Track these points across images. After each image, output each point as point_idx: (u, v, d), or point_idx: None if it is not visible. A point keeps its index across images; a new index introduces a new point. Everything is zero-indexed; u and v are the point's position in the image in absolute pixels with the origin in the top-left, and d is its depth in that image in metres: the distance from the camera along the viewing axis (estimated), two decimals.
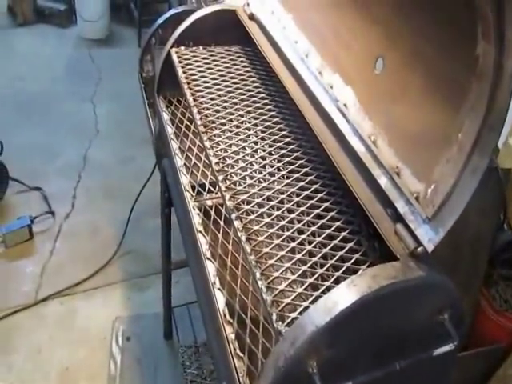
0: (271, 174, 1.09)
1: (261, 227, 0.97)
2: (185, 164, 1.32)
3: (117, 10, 4.21)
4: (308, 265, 0.90)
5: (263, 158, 1.13)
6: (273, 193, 1.04)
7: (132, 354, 1.94)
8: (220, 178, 1.06)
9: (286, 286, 0.87)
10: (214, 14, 1.51)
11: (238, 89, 1.34)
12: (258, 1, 1.47)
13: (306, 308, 0.79)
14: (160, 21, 1.98)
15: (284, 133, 1.20)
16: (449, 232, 0.77)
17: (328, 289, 0.84)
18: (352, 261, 0.91)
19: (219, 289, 1.03)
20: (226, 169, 1.09)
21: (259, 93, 1.33)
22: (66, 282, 2.20)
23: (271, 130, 1.21)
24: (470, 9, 0.72)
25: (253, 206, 1.00)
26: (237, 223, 0.97)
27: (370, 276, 0.76)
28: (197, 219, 1.18)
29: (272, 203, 1.01)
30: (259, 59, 1.45)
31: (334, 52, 1.15)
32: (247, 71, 1.42)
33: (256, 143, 1.18)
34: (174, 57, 1.45)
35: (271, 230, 0.96)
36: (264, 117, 1.25)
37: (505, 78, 0.71)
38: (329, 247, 0.93)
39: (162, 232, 1.70)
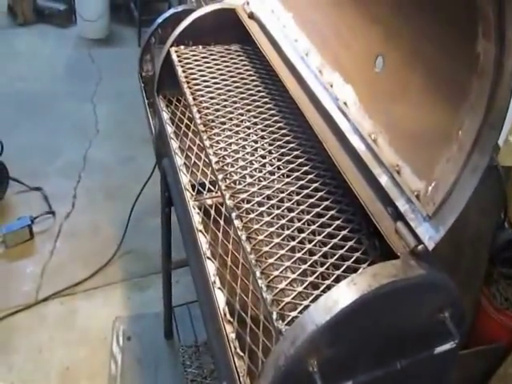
0: (271, 173, 1.09)
1: (261, 226, 0.96)
2: (185, 163, 1.32)
3: (117, 10, 4.21)
4: (308, 263, 0.90)
5: (263, 157, 1.13)
6: (273, 191, 1.04)
7: (132, 354, 1.94)
8: (220, 176, 1.06)
9: (287, 285, 0.87)
10: (213, 13, 1.51)
11: (237, 88, 1.33)
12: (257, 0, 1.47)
13: (307, 307, 0.79)
14: (160, 20, 1.98)
15: (284, 131, 1.20)
16: (449, 230, 0.77)
17: (328, 287, 0.84)
18: (352, 259, 0.91)
19: (219, 288, 1.03)
20: (225, 168, 1.08)
21: (259, 92, 1.33)
22: (67, 281, 2.20)
23: (271, 129, 1.21)
24: (470, 7, 0.72)
25: (253, 205, 1.00)
26: (237, 222, 0.96)
27: (371, 274, 0.76)
28: (197, 218, 1.18)
29: (272, 202, 1.01)
30: (259, 58, 1.44)
31: (334, 50, 1.15)
32: (247, 70, 1.42)
33: (256, 142, 1.17)
34: (174, 56, 1.45)
35: (271, 229, 0.96)
36: (264, 115, 1.25)
37: (505, 76, 0.70)
38: (329, 246, 0.93)
39: (162, 231, 1.70)
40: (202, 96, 1.29)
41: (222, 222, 1.17)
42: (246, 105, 1.28)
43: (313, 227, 0.97)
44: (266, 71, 1.40)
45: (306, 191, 1.04)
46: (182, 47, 1.49)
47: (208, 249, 1.11)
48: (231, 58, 1.46)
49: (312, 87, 1.16)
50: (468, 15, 0.73)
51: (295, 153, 1.14)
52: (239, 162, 1.10)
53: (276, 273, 0.89)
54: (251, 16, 1.46)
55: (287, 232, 0.96)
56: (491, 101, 0.72)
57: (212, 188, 1.26)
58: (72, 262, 2.30)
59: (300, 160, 1.12)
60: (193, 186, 1.26)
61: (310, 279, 0.88)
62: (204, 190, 1.25)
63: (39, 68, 3.63)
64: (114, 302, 2.15)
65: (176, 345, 1.93)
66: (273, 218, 0.98)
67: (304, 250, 0.93)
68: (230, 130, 1.20)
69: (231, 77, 1.37)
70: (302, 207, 1.01)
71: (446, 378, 0.89)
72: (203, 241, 1.13)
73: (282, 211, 1.00)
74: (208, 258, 1.09)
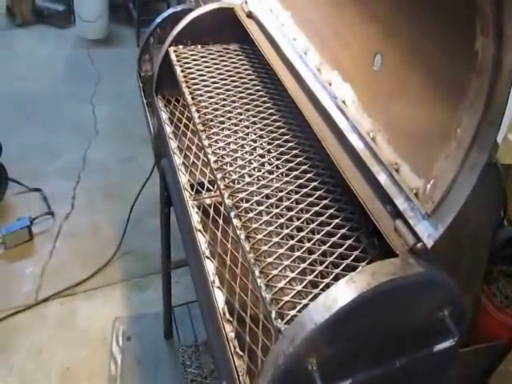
0: (270, 172, 1.09)
1: (260, 225, 0.96)
2: (183, 163, 1.32)
3: (115, 10, 4.21)
4: (307, 262, 0.90)
5: (262, 156, 1.13)
6: (272, 190, 1.03)
7: (132, 354, 1.94)
8: (218, 176, 1.06)
9: (286, 284, 0.86)
10: (212, 12, 1.50)
11: (236, 87, 1.33)
12: None
13: (306, 306, 0.79)
14: (158, 20, 1.98)
15: (283, 130, 1.20)
16: (448, 228, 0.76)
17: (327, 286, 0.83)
18: (351, 258, 0.91)
19: (218, 287, 1.03)
20: (224, 167, 1.08)
21: (258, 91, 1.33)
22: (66, 282, 2.20)
23: (270, 128, 1.21)
24: (468, 4, 0.72)
25: (251, 204, 1.00)
26: (236, 221, 0.96)
27: (370, 273, 0.76)
28: (196, 218, 1.18)
29: (271, 201, 1.01)
30: (258, 57, 1.44)
31: (333, 49, 1.15)
32: (246, 69, 1.41)
33: (254, 141, 1.17)
34: (173, 56, 1.45)
35: (270, 228, 0.96)
36: (262, 115, 1.24)
37: (504, 72, 0.70)
38: (328, 244, 0.93)
39: (161, 231, 1.70)
40: (201, 95, 1.29)
41: (220, 222, 1.17)
42: (245, 104, 1.27)
43: (312, 226, 0.97)
44: (264, 70, 1.40)
45: (304, 190, 1.04)
46: (181, 47, 1.48)
47: (207, 248, 1.10)
48: (230, 58, 1.46)
49: (310, 86, 1.16)
50: (466, 12, 0.73)
51: (294, 152, 1.14)
52: (238, 161, 1.10)
53: (275, 272, 0.88)
54: (250, 15, 1.46)
55: (286, 231, 0.96)
56: (490, 98, 0.72)
57: (211, 187, 1.26)
58: (71, 263, 2.30)
59: (299, 159, 1.12)
60: (192, 186, 1.26)
61: (309, 278, 0.88)
62: (203, 189, 1.25)
63: (38, 69, 3.63)
64: (114, 302, 2.15)
65: (176, 345, 1.93)
66: (272, 217, 0.98)
67: (303, 249, 0.93)
68: (229, 130, 1.20)
69: (230, 76, 1.37)
70: (300, 206, 1.00)
71: (446, 376, 0.89)
72: (202, 240, 1.12)
73: (281, 210, 0.99)
74: (207, 257, 1.09)
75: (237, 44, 1.52)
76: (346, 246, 0.93)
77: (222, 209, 1.19)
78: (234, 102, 1.28)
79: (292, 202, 1.01)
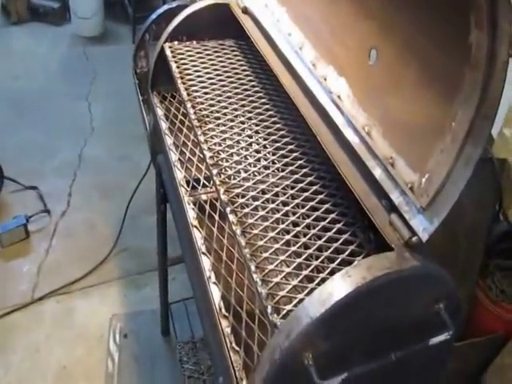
0: (266, 167, 1.08)
1: (255, 220, 0.96)
2: (179, 159, 1.32)
3: (111, 7, 4.19)
4: (303, 257, 0.90)
5: (258, 152, 1.13)
6: (267, 186, 1.03)
7: (129, 351, 1.94)
8: (214, 171, 1.05)
9: (281, 279, 0.86)
10: (207, 8, 1.50)
11: (232, 83, 1.33)
12: None
13: (301, 300, 0.79)
14: (154, 16, 1.97)
15: (278, 126, 1.20)
16: (443, 222, 0.77)
17: (323, 280, 0.83)
18: (347, 252, 0.91)
19: (214, 283, 1.03)
20: (220, 163, 1.08)
21: (253, 86, 1.33)
22: (63, 280, 2.19)
23: (266, 124, 1.20)
24: None
25: (247, 200, 1.00)
26: (231, 217, 0.96)
27: (365, 267, 0.76)
28: (192, 214, 1.18)
29: (267, 196, 1.01)
30: (253, 53, 1.44)
31: (328, 44, 1.14)
32: (241, 65, 1.41)
33: (250, 137, 1.17)
34: (168, 52, 1.44)
35: (266, 223, 0.96)
36: (258, 110, 1.24)
37: (498, 65, 0.70)
38: (324, 239, 0.93)
39: (157, 228, 1.70)
40: (196, 91, 1.28)
41: (216, 217, 1.17)
42: (241, 100, 1.27)
43: (308, 221, 0.97)
44: (260, 66, 1.40)
45: (300, 185, 1.04)
46: (176, 43, 1.48)
47: (203, 244, 1.10)
48: (225, 53, 1.45)
49: (306, 81, 1.16)
50: (460, 6, 0.73)
51: (290, 147, 1.14)
52: (234, 157, 1.10)
53: (271, 267, 0.88)
54: (245, 11, 1.46)
55: (282, 226, 0.96)
56: (484, 91, 0.72)
57: (207, 183, 1.25)
58: (68, 261, 2.29)
59: (295, 154, 1.12)
60: (187, 182, 1.26)
61: (305, 273, 0.88)
62: (199, 185, 1.25)
63: (34, 67, 3.61)
64: (111, 299, 2.14)
65: (173, 341, 1.93)
66: (267, 212, 0.98)
67: (299, 244, 0.92)
68: (225, 125, 1.19)
69: (225, 72, 1.37)
70: (296, 201, 1.00)
71: (441, 370, 0.89)
72: (198, 236, 1.12)
73: (277, 205, 0.99)
74: (203, 253, 1.09)
75: (232, 40, 1.51)
76: (341, 240, 0.93)
77: (217, 205, 1.19)
78: (229, 97, 1.27)
79: (288, 197, 1.01)
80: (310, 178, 1.06)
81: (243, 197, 1.01)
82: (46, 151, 2.88)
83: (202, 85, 1.31)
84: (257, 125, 1.20)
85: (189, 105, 1.24)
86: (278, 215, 0.98)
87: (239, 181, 1.04)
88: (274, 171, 1.08)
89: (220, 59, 1.42)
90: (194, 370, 1.69)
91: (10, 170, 2.59)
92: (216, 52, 1.45)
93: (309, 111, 1.11)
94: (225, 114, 1.22)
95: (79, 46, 3.92)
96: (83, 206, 2.57)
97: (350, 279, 0.74)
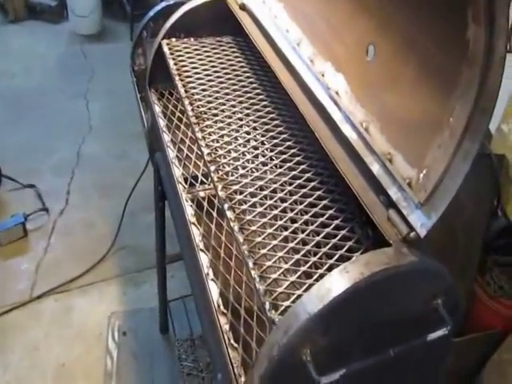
0: (264, 164, 1.08)
1: (253, 217, 0.96)
2: (177, 156, 1.31)
3: (109, 5, 4.17)
4: (301, 253, 0.90)
5: (255, 148, 1.13)
6: (265, 182, 1.03)
7: (128, 349, 1.94)
8: (212, 168, 1.05)
9: (280, 275, 0.86)
10: (204, 5, 1.50)
11: (229, 79, 1.33)
12: None
13: (300, 296, 0.79)
14: (151, 13, 1.96)
15: (276, 122, 1.20)
16: (441, 217, 0.76)
17: (321, 276, 0.83)
18: (345, 248, 0.91)
19: (213, 280, 1.02)
20: (218, 159, 1.08)
21: (251, 83, 1.32)
22: (61, 278, 2.19)
23: (263, 120, 1.20)
24: None
25: (245, 196, 1.00)
26: (229, 213, 0.96)
27: (363, 262, 0.76)
28: (190, 211, 1.17)
29: (264, 193, 1.01)
30: (251, 49, 1.44)
31: (326, 40, 1.14)
32: (239, 62, 1.41)
33: (248, 133, 1.17)
34: (165, 49, 1.44)
35: (264, 220, 0.95)
36: (256, 107, 1.24)
37: (495, 60, 0.70)
38: (322, 235, 0.93)
39: (156, 226, 1.69)
40: (194, 88, 1.28)
41: (214, 214, 1.16)
42: (238, 96, 1.27)
43: (306, 217, 0.96)
44: (258, 62, 1.39)
45: (298, 181, 1.04)
46: (174, 40, 1.48)
47: (201, 241, 1.10)
48: (223, 50, 1.45)
49: (304, 77, 1.15)
50: (458, 1, 0.73)
51: (288, 143, 1.14)
52: (231, 154, 1.10)
53: (269, 263, 0.88)
54: (243, 7, 1.45)
55: (280, 222, 0.95)
56: (482, 86, 0.72)
57: (205, 180, 1.25)
58: (66, 259, 2.29)
59: (292, 150, 1.12)
60: (185, 179, 1.25)
61: (303, 269, 0.88)
62: (197, 182, 1.25)
63: (31, 65, 3.60)
64: (109, 297, 2.14)
65: (172, 339, 1.93)
66: (265, 209, 0.98)
67: (297, 240, 0.92)
68: (222, 122, 1.19)
69: (223, 68, 1.37)
70: (294, 197, 1.00)
71: (440, 365, 0.89)
72: (196, 233, 1.12)
73: (275, 202, 0.99)
74: (201, 250, 1.09)
75: (230, 36, 1.51)
76: (339, 236, 0.93)
77: (215, 201, 1.19)
78: (227, 94, 1.27)
79: (286, 194, 1.01)
80: (307, 175, 1.06)
81: (241, 193, 1.00)
82: (43, 149, 2.87)
83: (200, 82, 1.30)
84: (255, 121, 1.20)
85: (186, 102, 1.24)
86: (275, 211, 0.97)
87: (237, 177, 1.04)
88: (271, 168, 1.07)
89: (218, 56, 1.42)
90: (192, 368, 1.69)
91: (7, 168, 2.58)
92: (214, 49, 1.45)
93: (307, 107, 1.11)
94: (222, 111, 1.22)
95: (77, 44, 3.91)
96: (81, 204, 2.56)
97: (348, 275, 0.74)
